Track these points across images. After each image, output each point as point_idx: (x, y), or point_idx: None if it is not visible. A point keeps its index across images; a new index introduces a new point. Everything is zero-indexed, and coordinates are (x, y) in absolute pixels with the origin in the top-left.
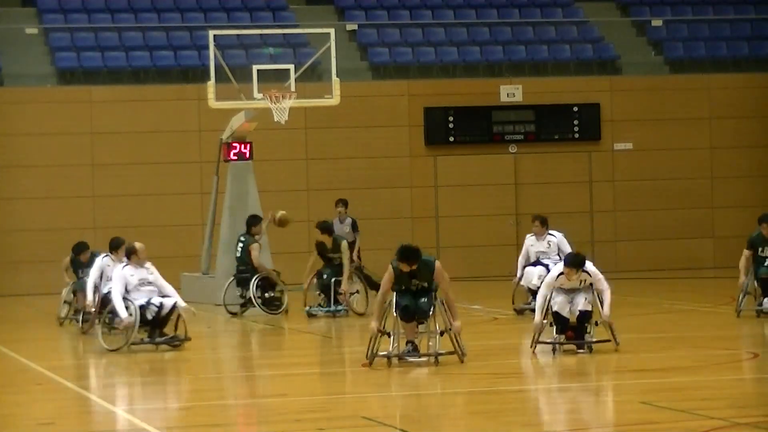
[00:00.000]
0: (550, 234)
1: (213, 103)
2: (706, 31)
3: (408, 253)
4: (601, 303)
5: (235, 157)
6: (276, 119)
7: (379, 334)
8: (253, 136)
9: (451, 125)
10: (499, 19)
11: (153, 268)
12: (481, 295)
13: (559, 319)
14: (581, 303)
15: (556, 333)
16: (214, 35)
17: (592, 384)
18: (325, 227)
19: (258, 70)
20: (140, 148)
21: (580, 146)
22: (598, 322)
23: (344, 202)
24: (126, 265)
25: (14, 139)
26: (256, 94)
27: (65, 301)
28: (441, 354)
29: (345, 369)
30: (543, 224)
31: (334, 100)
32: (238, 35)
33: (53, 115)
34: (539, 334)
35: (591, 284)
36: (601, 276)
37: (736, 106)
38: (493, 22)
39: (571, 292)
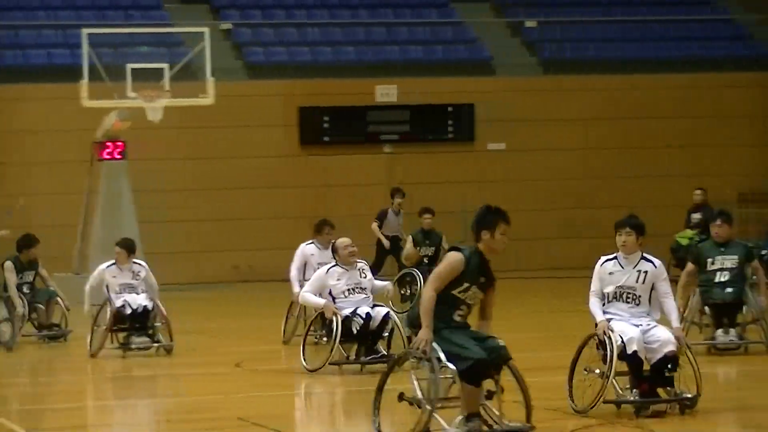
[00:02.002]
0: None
1: (86, 102)
2: (579, 33)
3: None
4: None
5: (108, 157)
6: (149, 118)
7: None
8: (128, 136)
9: (326, 125)
10: (374, 19)
11: (144, 268)
12: None
13: (632, 363)
14: (661, 339)
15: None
16: (88, 34)
17: None
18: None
19: (132, 69)
20: (12, 148)
21: (454, 146)
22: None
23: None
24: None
25: None
26: (130, 93)
27: None
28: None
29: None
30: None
31: (209, 99)
32: (111, 34)
33: None
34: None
35: (653, 286)
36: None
37: (609, 107)
38: (368, 22)
39: (636, 314)
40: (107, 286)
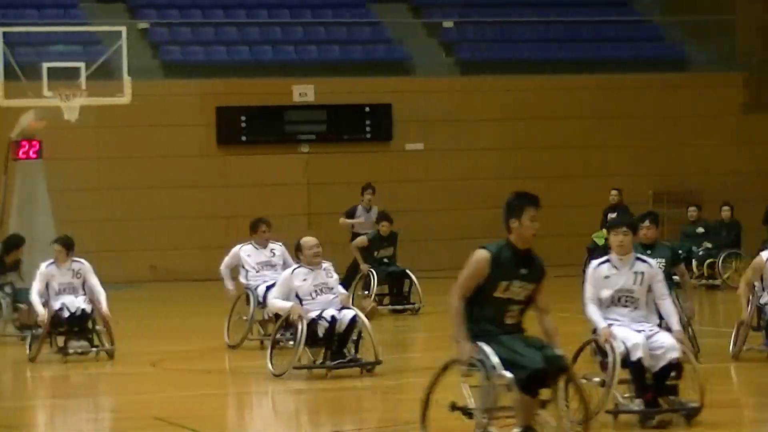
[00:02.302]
0: None
1: (2, 101)
2: (496, 34)
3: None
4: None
5: (24, 156)
6: (66, 117)
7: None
8: (44, 135)
9: (243, 125)
10: (292, 18)
11: (85, 266)
12: None
13: (635, 370)
14: (665, 345)
15: (635, 394)
16: (3, 32)
17: None
18: None
19: (48, 68)
20: None
21: (371, 146)
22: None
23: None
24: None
25: None
26: (46, 92)
27: None
28: None
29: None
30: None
31: (126, 98)
32: (27, 32)
33: None
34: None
35: (649, 287)
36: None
37: (525, 107)
38: (285, 21)
39: (637, 318)
40: (47, 286)
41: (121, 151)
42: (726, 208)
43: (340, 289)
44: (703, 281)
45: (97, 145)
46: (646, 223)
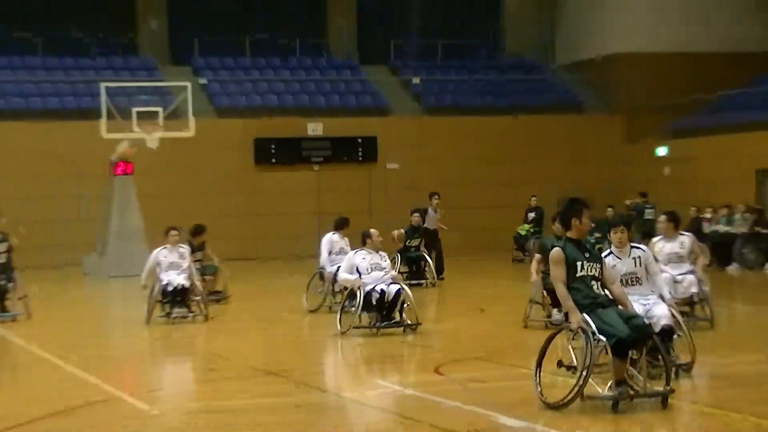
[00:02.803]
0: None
1: (104, 134)
2: (450, 87)
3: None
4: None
5: (121, 172)
6: (149, 146)
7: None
8: (134, 158)
9: (273, 151)
10: (306, 77)
11: (186, 251)
12: None
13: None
14: (657, 314)
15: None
16: (105, 86)
17: None
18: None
19: (136, 111)
20: (56, 167)
21: (362, 166)
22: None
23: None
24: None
25: None
26: (135, 128)
27: None
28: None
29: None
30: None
31: (190, 132)
32: (122, 86)
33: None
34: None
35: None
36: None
37: (470, 137)
38: (302, 79)
39: (642, 293)
40: (158, 265)
41: (186, 169)
42: (609, 209)
43: (392, 272)
44: None
45: (170, 165)
46: (621, 227)
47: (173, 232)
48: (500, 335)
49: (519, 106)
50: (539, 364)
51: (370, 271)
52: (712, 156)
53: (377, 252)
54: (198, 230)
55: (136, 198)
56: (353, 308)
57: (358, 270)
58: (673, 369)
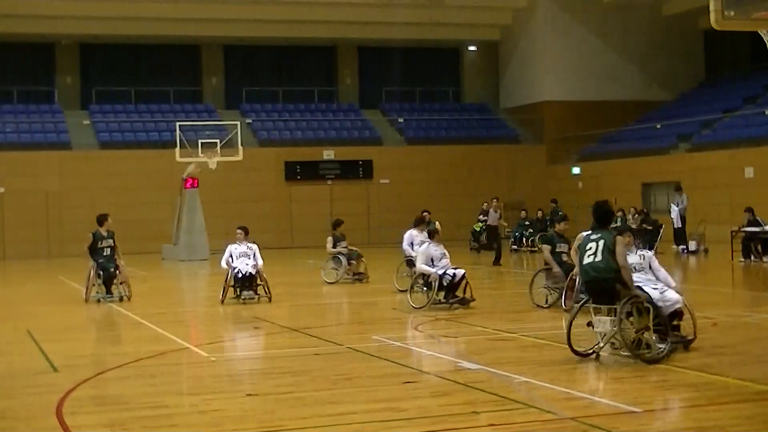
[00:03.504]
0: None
1: (178, 158)
2: (425, 125)
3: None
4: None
5: (189, 186)
6: (210, 167)
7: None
8: (200, 176)
9: (298, 170)
10: (322, 117)
11: (255, 246)
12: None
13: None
14: (672, 299)
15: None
16: (179, 125)
17: None
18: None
19: (201, 142)
20: (145, 182)
21: (362, 182)
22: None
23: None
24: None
25: None
26: (200, 154)
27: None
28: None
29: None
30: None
31: (239, 157)
32: (191, 124)
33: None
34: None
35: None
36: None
37: (439, 161)
38: (319, 119)
39: (649, 280)
40: (231, 256)
41: (236, 184)
42: (540, 211)
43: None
44: (528, 250)
45: (224, 180)
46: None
47: (238, 231)
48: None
49: (474, 138)
50: (569, 332)
51: (440, 259)
52: (611, 174)
53: (441, 244)
54: (337, 223)
55: (200, 204)
56: (424, 288)
57: (432, 259)
58: (681, 344)
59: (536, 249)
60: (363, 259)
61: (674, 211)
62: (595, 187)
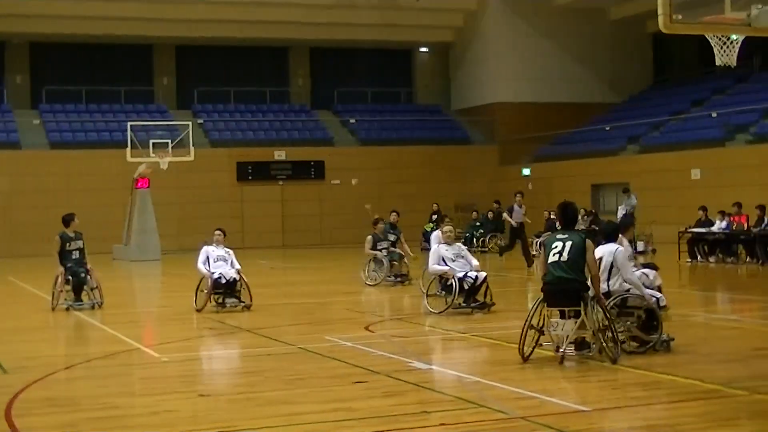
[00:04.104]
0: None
1: (129, 159)
2: (374, 126)
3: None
4: None
5: (140, 186)
6: (161, 167)
7: None
8: (151, 176)
9: (250, 171)
10: (274, 118)
11: (231, 251)
12: None
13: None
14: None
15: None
16: (131, 125)
17: None
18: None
19: (152, 142)
20: (104, 181)
21: (314, 182)
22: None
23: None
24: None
25: None
26: (151, 154)
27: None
28: None
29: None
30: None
31: (191, 158)
32: (143, 124)
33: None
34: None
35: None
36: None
37: (390, 161)
38: (271, 120)
39: None
40: (207, 258)
41: (187, 185)
42: (491, 212)
43: (473, 260)
44: (479, 250)
45: (176, 181)
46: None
47: (217, 233)
48: (417, 303)
49: (427, 139)
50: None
51: (454, 260)
52: (561, 175)
53: (455, 244)
54: (376, 222)
55: (152, 204)
56: (442, 292)
57: (444, 260)
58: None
59: (487, 249)
60: (405, 260)
61: (621, 212)
62: (546, 188)
